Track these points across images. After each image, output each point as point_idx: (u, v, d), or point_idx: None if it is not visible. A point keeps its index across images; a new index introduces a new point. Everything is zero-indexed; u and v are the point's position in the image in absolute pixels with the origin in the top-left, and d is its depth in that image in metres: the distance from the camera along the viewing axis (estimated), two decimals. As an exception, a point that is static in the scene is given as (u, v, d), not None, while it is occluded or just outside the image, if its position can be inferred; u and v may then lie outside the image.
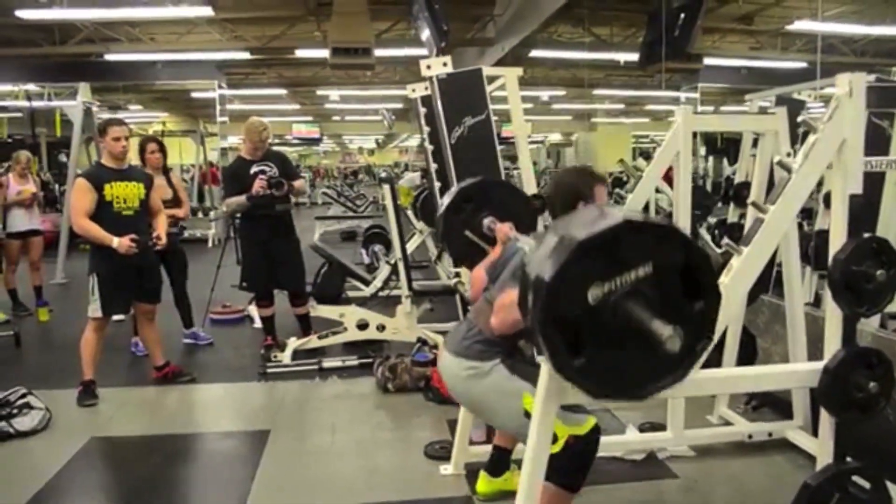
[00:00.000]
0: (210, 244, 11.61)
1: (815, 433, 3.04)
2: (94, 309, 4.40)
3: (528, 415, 2.33)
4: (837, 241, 2.39)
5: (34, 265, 7.02)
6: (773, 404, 3.96)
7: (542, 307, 1.60)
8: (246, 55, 12.01)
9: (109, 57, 11.47)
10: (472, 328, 2.64)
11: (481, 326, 2.59)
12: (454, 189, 3.36)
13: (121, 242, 4.25)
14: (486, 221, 3.05)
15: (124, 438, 3.96)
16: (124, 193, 4.42)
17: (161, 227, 4.60)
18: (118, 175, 4.44)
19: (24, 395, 4.00)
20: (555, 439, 2.24)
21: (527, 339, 2.51)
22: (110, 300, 4.43)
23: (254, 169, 5.15)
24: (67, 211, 6.85)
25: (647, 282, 1.63)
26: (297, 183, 5.36)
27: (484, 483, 3.07)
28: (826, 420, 2.54)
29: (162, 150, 5.60)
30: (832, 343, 2.45)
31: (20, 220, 6.88)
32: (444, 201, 3.31)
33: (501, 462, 3.04)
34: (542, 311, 1.61)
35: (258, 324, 6.06)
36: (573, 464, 2.38)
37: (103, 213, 4.34)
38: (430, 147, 5.55)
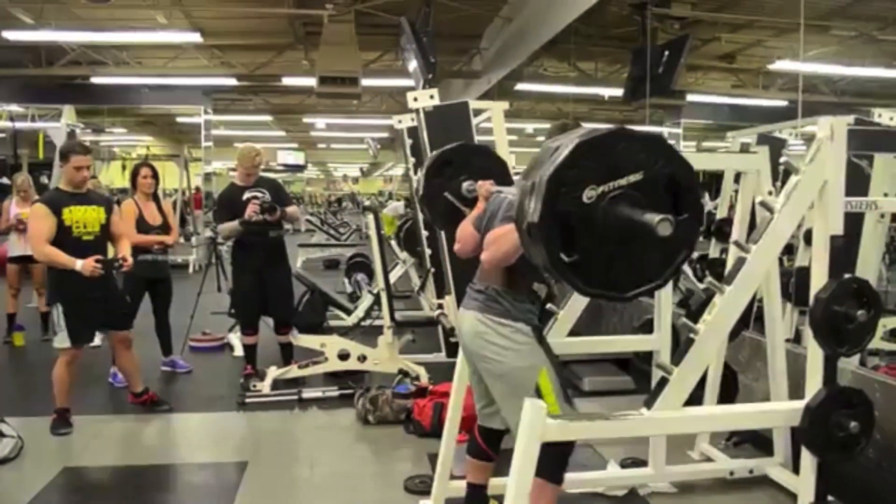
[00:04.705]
0: (191, 270, 11.51)
1: (796, 470, 3.04)
2: (62, 339, 4.23)
3: (538, 391, 2.48)
4: (818, 281, 2.41)
5: (39, 292, 6.76)
6: (754, 441, 3.95)
7: (543, 202, 1.72)
8: (233, 81, 12.05)
9: (95, 80, 11.44)
10: (487, 287, 2.67)
11: (493, 283, 2.65)
12: (435, 153, 3.46)
13: (84, 265, 4.10)
14: (466, 185, 3.14)
15: (98, 469, 3.88)
16: (84, 218, 4.27)
17: (125, 251, 4.44)
18: (77, 199, 4.29)
19: (-5, 423, 3.91)
20: None
21: (538, 278, 2.63)
22: (78, 329, 4.26)
23: (246, 195, 5.16)
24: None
25: (637, 188, 1.77)
26: (291, 209, 5.35)
27: None
28: (807, 458, 2.54)
29: (155, 175, 5.54)
30: (813, 382, 2.46)
31: (15, 246, 6.66)
32: (425, 164, 3.40)
33: (479, 499, 3.00)
34: (542, 206, 1.72)
35: (238, 352, 6.01)
36: (557, 457, 2.51)
37: (63, 238, 4.17)
38: (415, 178, 5.57)
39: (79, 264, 4.10)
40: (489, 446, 2.92)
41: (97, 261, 4.15)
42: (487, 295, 2.67)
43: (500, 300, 2.63)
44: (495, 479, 2.94)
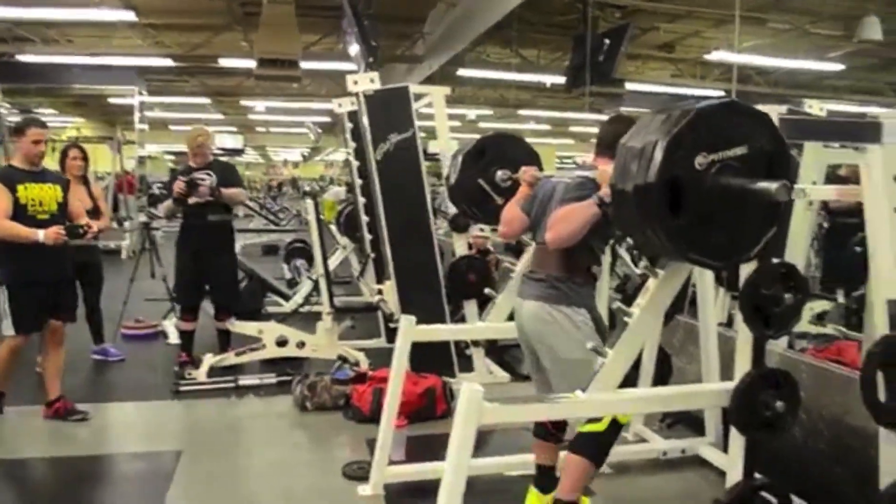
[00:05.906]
0: (124, 256, 11.18)
1: (726, 450, 3.13)
2: (6, 326, 4.05)
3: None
4: (748, 265, 2.47)
5: None
6: (686, 421, 4.05)
7: (661, 162, 1.84)
8: (168, 62, 11.71)
9: (22, 58, 10.99)
10: (546, 274, 2.69)
11: (551, 270, 2.66)
12: (471, 142, 3.75)
13: (47, 233, 3.91)
14: (500, 174, 3.35)
15: (28, 460, 3.76)
16: (40, 196, 4.07)
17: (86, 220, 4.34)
18: (32, 177, 4.09)
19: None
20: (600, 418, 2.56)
21: (595, 261, 2.72)
22: (22, 316, 4.05)
23: (193, 176, 5.08)
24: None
25: (740, 161, 1.91)
26: (230, 191, 5.14)
27: (534, 499, 3.00)
28: (736, 437, 2.61)
29: (84, 157, 5.38)
30: (742, 364, 2.52)
31: None
32: (460, 153, 3.71)
33: (548, 480, 2.96)
34: (660, 167, 1.84)
35: (172, 339, 5.89)
36: (599, 441, 2.63)
37: (17, 217, 3.96)
38: (355, 163, 5.51)
39: (41, 234, 3.92)
40: (554, 426, 2.93)
41: (63, 227, 4.00)
42: (546, 282, 2.68)
43: (559, 286, 2.65)
44: (434, 464, 2.94)
